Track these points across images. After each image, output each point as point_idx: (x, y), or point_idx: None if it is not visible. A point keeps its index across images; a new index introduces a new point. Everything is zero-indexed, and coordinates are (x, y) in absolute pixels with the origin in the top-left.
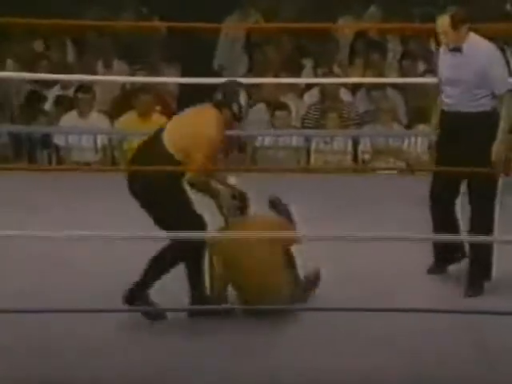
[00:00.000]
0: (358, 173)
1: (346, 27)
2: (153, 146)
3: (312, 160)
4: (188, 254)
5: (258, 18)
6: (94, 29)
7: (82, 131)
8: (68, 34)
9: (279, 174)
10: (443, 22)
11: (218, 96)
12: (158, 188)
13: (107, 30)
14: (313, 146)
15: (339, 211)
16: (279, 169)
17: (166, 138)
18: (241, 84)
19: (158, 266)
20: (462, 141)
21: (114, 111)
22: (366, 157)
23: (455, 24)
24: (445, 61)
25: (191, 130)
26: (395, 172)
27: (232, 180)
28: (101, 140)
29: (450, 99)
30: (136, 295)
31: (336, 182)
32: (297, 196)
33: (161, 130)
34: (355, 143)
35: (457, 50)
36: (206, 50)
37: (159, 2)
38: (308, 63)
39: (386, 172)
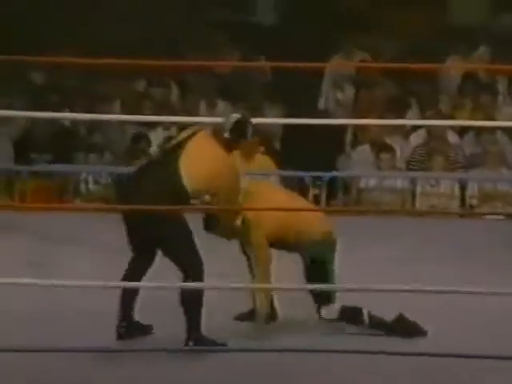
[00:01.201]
0: (465, 217)
1: (453, 68)
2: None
3: (417, 203)
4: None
5: (364, 57)
6: (197, 69)
7: None
8: (171, 74)
9: (384, 216)
10: None
11: (227, 133)
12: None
13: (211, 70)
14: (418, 189)
15: (440, 255)
16: (383, 211)
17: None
18: (250, 123)
19: (190, 304)
20: None
21: None
22: (474, 201)
23: None
24: None
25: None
26: (503, 217)
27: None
28: None
29: None
30: (194, 337)
31: (442, 226)
32: (400, 238)
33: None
34: (462, 187)
35: None
36: (311, 90)
37: (264, 42)
38: (414, 104)
39: (494, 217)
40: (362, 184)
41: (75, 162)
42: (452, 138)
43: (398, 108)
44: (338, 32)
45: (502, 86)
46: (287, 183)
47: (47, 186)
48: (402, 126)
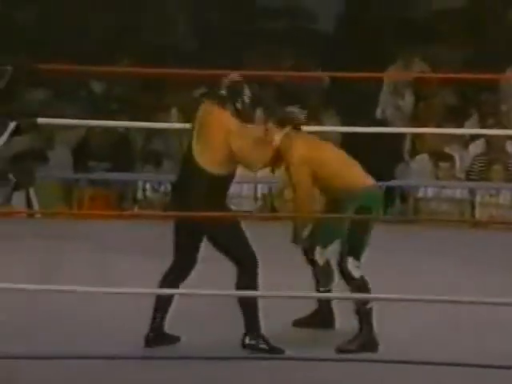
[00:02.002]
0: None
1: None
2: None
3: (477, 213)
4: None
5: (423, 67)
6: (255, 78)
7: (242, 180)
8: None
9: (442, 226)
10: None
11: (223, 93)
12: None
13: (269, 79)
14: (478, 199)
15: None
16: (442, 220)
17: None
18: (242, 83)
19: (246, 304)
20: None
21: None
22: None
23: None
24: None
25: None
26: None
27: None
28: (261, 189)
29: None
30: (252, 334)
31: (501, 237)
32: (456, 249)
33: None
34: None
35: None
36: (370, 99)
37: (323, 50)
38: (473, 113)
39: None
40: (420, 193)
41: (133, 170)
42: (511, 147)
43: (457, 117)
44: (399, 41)
45: None
46: None
47: (105, 194)
48: (462, 136)
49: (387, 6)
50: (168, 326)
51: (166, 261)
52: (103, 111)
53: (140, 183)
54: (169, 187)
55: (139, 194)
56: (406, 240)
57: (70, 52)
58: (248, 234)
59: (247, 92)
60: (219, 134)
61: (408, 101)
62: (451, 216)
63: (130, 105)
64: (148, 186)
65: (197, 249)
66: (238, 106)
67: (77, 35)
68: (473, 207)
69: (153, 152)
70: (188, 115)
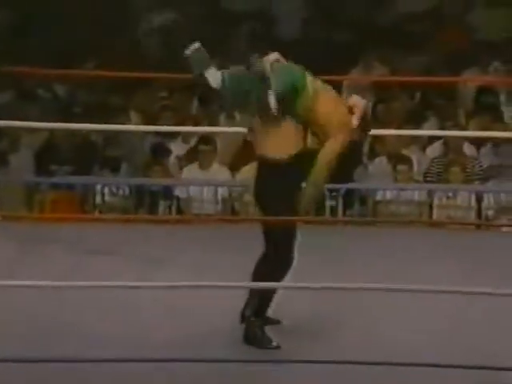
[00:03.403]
0: (481, 229)
1: (470, 81)
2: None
3: (435, 215)
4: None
5: (383, 70)
6: None
7: (203, 183)
8: (193, 85)
9: (400, 228)
10: None
11: None
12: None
13: None
14: (435, 201)
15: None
16: (400, 222)
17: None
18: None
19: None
20: None
21: (235, 163)
22: (490, 213)
23: None
24: None
25: None
26: None
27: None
28: (221, 192)
29: None
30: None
31: (459, 238)
32: (417, 250)
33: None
34: (479, 199)
35: None
36: None
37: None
38: (431, 116)
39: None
40: (379, 196)
41: (95, 173)
42: (469, 150)
43: (415, 120)
44: (361, 45)
45: None
46: None
47: (66, 197)
48: (420, 138)
49: (349, 9)
50: None
51: (133, 261)
52: (66, 114)
53: (98, 187)
54: (127, 191)
55: (98, 199)
56: (364, 241)
57: (34, 54)
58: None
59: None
60: None
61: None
62: (410, 218)
63: (94, 108)
64: (106, 189)
65: None
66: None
67: (43, 37)
68: (431, 209)
69: (112, 156)
70: (147, 117)
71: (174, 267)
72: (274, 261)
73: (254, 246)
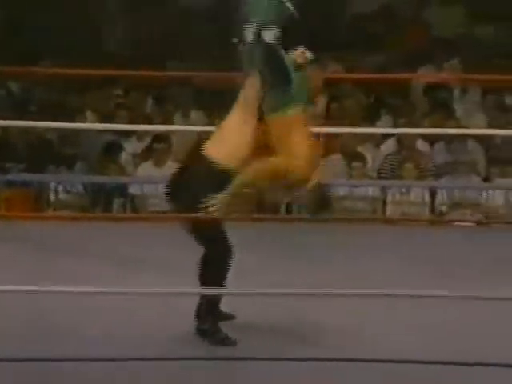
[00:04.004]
0: (434, 224)
1: (424, 77)
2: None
3: (388, 211)
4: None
5: (337, 68)
6: (174, 80)
7: (158, 181)
8: (148, 85)
9: (354, 225)
10: None
11: None
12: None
13: (187, 81)
14: (389, 197)
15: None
16: (354, 219)
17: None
18: None
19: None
20: None
21: None
22: (443, 208)
23: None
24: None
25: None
26: (472, 224)
27: None
28: None
29: None
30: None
31: (412, 234)
32: (371, 247)
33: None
34: (432, 195)
35: None
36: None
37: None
38: (385, 113)
39: (463, 224)
40: (334, 192)
41: (49, 171)
42: (422, 146)
43: (369, 118)
44: (316, 44)
45: (474, 96)
46: None
47: (21, 195)
48: (374, 136)
49: (306, 8)
50: None
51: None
52: (21, 111)
53: (52, 185)
54: (81, 188)
55: (52, 196)
56: (317, 237)
57: None
58: None
59: None
60: None
61: (321, 101)
62: (364, 214)
63: (49, 106)
64: (61, 187)
65: None
66: None
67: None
68: (384, 205)
69: (67, 154)
70: (103, 116)
71: (147, 266)
72: (214, 255)
73: None
